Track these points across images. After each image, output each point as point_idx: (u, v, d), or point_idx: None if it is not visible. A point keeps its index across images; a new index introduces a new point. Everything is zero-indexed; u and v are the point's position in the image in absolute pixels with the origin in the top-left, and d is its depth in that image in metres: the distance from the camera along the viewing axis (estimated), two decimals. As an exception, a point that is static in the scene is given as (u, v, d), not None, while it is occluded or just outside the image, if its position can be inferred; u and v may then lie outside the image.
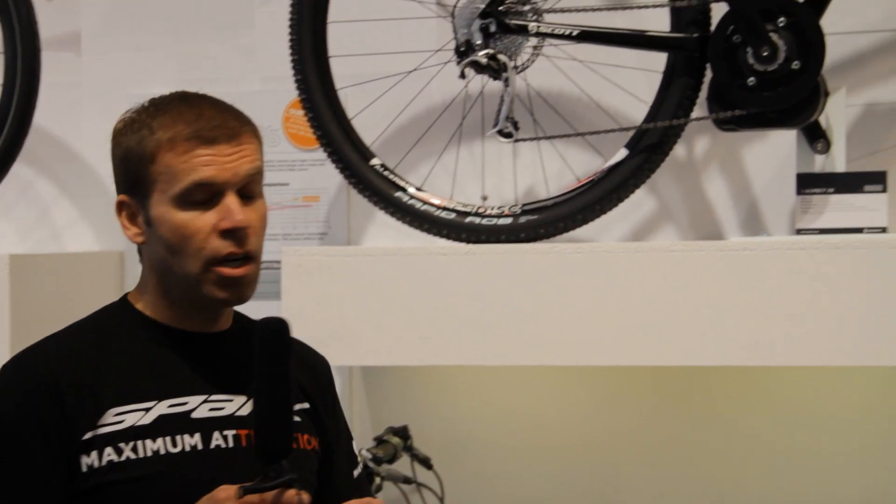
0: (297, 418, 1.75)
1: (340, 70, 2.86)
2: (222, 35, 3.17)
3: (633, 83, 2.86)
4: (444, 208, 2.73)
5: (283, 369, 1.59)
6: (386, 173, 2.77)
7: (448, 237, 2.74)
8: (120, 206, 1.77)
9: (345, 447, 1.92)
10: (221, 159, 1.67)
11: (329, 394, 1.92)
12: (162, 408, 1.71)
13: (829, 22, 2.56)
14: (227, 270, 1.70)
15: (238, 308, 1.84)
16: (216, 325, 1.80)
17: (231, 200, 1.69)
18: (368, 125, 2.90)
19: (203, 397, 1.73)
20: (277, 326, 1.61)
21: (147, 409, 1.70)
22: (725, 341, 2.47)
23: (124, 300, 1.81)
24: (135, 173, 1.72)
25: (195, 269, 1.70)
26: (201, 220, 1.69)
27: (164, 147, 1.68)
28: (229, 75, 3.13)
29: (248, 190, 1.72)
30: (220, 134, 1.67)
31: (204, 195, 1.69)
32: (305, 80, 2.79)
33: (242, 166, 1.69)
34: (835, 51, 2.71)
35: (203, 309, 1.76)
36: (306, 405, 1.84)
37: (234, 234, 1.69)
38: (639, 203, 2.91)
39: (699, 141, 2.96)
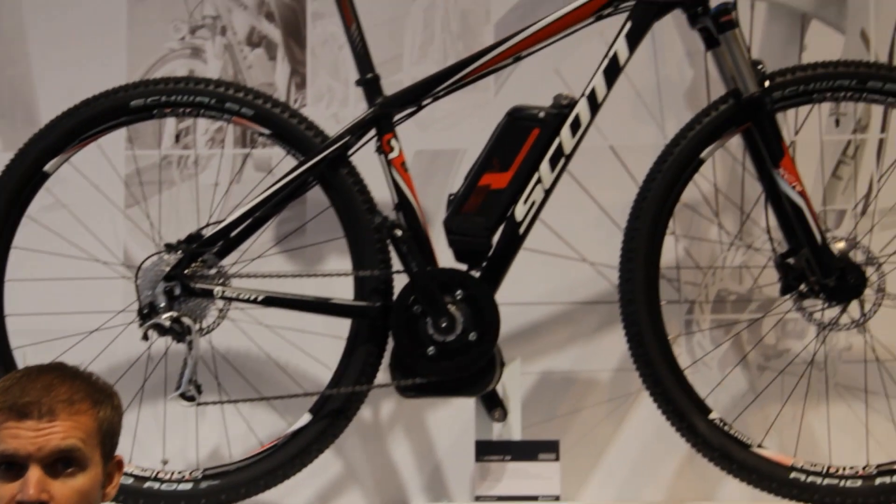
0: None
1: (20, 327, 2.75)
2: None
3: (320, 348, 2.86)
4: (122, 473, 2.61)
5: None
6: (61, 436, 2.64)
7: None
8: None
9: None
10: (28, 433, 1.74)
11: None
12: None
13: (504, 294, 2.65)
14: None
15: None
16: None
17: (32, 474, 1.73)
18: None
19: None
20: None
21: None
22: None
23: None
24: None
25: None
26: (6, 489, 1.74)
27: None
28: None
29: (64, 464, 1.76)
30: (33, 409, 1.74)
31: (10, 465, 1.74)
32: (-22, 338, 2.68)
33: (50, 442, 1.74)
34: (511, 321, 2.82)
35: None
36: None
37: None
38: (324, 465, 2.88)
39: (384, 405, 2.98)
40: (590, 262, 2.99)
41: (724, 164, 3.01)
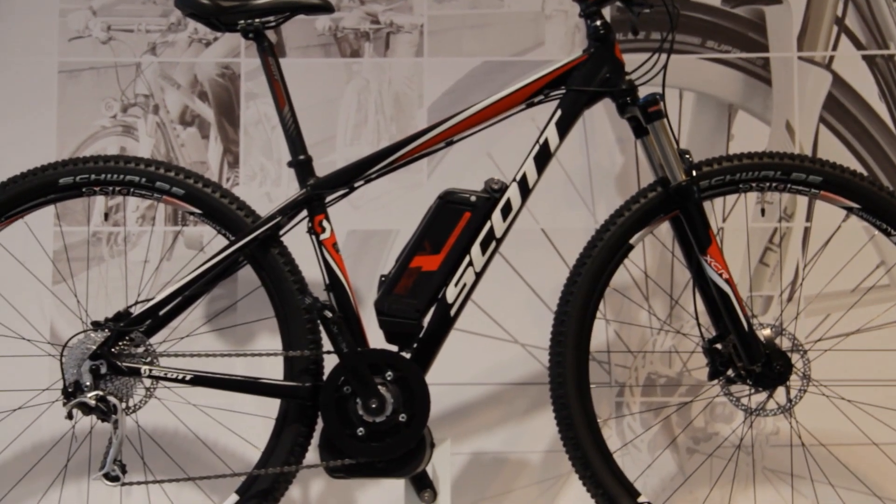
0: None
1: (-57, 403, 2.70)
2: None
3: (249, 428, 2.81)
4: (41, 556, 2.55)
5: None
6: (-20, 516, 2.59)
7: (43, 586, 2.55)
8: None
9: None
10: None
11: None
12: None
13: (435, 375, 2.62)
14: None
15: None
16: None
17: None
18: (-32, 462, 2.73)
19: None
20: None
21: None
22: None
23: None
24: None
25: None
26: None
27: None
28: None
29: None
30: None
31: None
32: None
33: None
34: (442, 402, 2.83)
35: None
36: None
37: None
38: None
39: (314, 485, 2.94)
40: (521, 343, 2.99)
41: (654, 249, 3.03)
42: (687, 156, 2.55)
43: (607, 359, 3.03)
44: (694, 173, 2.54)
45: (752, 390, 2.57)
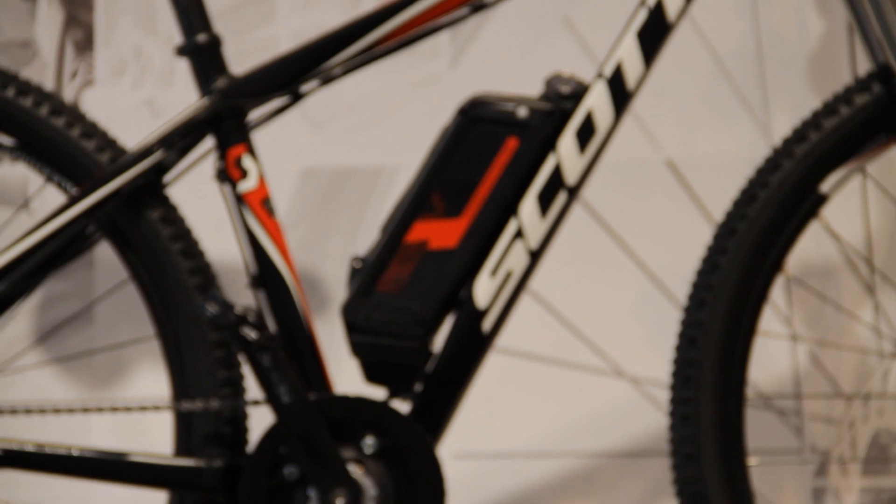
0: None
1: None
2: None
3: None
4: None
5: None
6: None
7: None
8: None
9: None
10: None
11: None
12: None
13: (458, 442, 2.71)
14: None
15: None
16: None
17: None
18: None
19: None
20: None
21: None
22: None
23: None
24: None
25: None
26: None
27: None
28: None
29: None
30: None
31: None
32: None
33: None
34: (475, 490, 2.96)
35: None
36: None
37: None
38: None
39: None
40: (629, 377, 3.08)
41: (878, 202, 3.10)
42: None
43: (794, 405, 3.09)
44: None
45: None
